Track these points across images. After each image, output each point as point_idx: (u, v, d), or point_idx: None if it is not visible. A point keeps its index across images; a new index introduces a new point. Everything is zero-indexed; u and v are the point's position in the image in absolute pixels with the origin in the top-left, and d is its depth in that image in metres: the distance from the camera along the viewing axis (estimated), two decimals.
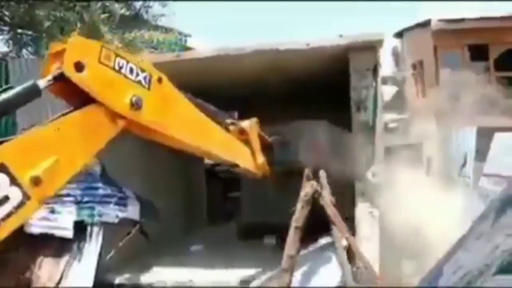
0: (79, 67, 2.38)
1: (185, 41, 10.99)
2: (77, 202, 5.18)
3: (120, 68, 2.61)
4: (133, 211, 5.44)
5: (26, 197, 2.14)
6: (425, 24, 16.09)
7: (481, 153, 10.89)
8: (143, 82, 2.75)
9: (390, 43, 19.73)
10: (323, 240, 5.20)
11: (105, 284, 5.21)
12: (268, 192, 7.40)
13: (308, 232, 4.55)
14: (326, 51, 4.95)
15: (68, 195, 5.22)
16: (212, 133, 3.61)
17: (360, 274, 4.47)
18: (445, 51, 15.96)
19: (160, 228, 5.98)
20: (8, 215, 2.04)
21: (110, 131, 2.64)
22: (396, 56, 20.63)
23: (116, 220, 5.25)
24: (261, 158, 4.29)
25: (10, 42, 6.17)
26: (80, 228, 5.14)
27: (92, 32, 5.16)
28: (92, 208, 5.20)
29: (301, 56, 5.12)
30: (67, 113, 2.45)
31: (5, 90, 2.21)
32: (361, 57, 4.95)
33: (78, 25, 5.21)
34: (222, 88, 6.55)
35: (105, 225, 5.21)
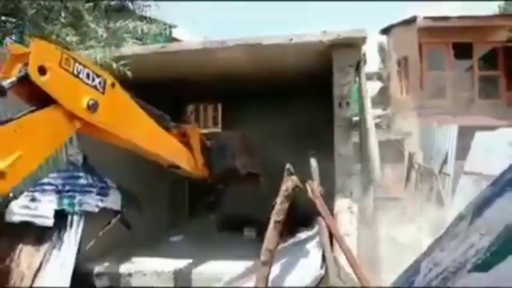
0: (42, 71, 2.55)
1: (170, 32, 10.94)
2: (58, 191, 5.19)
3: (78, 73, 2.81)
4: (114, 201, 5.46)
5: None
6: (411, 21, 16.22)
7: (462, 151, 11.09)
8: (98, 86, 2.95)
9: (376, 39, 19.86)
10: (303, 235, 5.27)
11: (84, 273, 5.23)
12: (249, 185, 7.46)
13: (288, 226, 4.60)
14: (309, 47, 4.99)
15: (49, 183, 5.22)
16: (158, 135, 3.86)
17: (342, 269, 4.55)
18: (430, 49, 16.12)
19: (141, 218, 6.01)
20: None
21: (67, 131, 2.85)
22: (382, 52, 20.78)
23: (97, 210, 5.27)
24: (200, 160, 4.60)
25: None
26: (61, 216, 5.15)
27: (77, 21, 5.12)
28: (73, 197, 5.21)
29: (285, 51, 5.15)
30: (28, 113, 2.62)
31: None
32: (344, 54, 5.00)
33: (63, 14, 5.18)
34: (206, 81, 6.57)
35: (85, 214, 5.23)
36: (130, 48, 5.27)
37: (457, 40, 15.75)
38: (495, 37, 15.82)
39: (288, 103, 6.97)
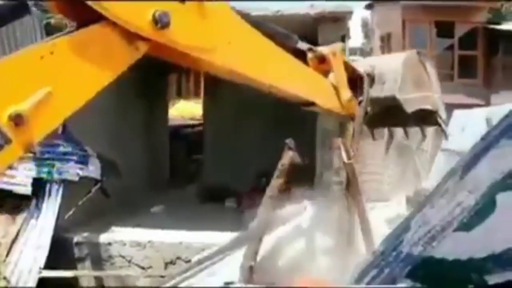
0: None
1: None
2: (37, 159, 5.10)
3: None
4: (94, 170, 5.40)
5: (4, 139, 1.65)
6: None
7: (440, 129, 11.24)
8: None
9: (360, 15, 19.83)
10: (291, 208, 5.26)
11: (63, 242, 5.20)
12: (231, 155, 7.47)
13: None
14: (296, 20, 4.95)
15: None
16: (277, 61, 2.80)
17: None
18: (413, 26, 16.16)
19: (121, 187, 5.98)
20: None
21: (126, 56, 1.98)
22: (366, 27, 20.78)
23: (77, 178, 5.21)
24: (347, 94, 3.39)
25: None
26: (39, 185, 5.08)
27: None
28: (52, 165, 5.13)
29: (271, 23, 5.10)
30: (65, 33, 1.84)
31: None
32: (329, 28, 4.98)
33: None
34: None
35: (65, 183, 5.17)
36: None
37: (440, 19, 15.82)
38: (476, 18, 15.95)
39: None
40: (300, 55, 3.12)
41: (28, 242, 4.86)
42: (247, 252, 4.02)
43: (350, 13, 4.94)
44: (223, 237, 4.89)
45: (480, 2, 16.32)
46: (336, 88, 3.29)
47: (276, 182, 4.00)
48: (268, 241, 4.52)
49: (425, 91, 3.80)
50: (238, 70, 2.48)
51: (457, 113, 10.81)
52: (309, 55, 3.25)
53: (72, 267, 5.14)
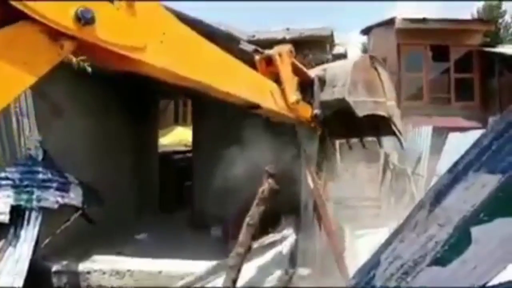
0: None
1: None
2: (15, 186, 5.06)
3: None
4: (75, 197, 5.34)
5: None
6: (390, 22, 16.30)
7: (436, 153, 11.17)
8: None
9: (360, 40, 19.97)
10: (272, 237, 5.18)
11: (42, 270, 5.11)
12: (221, 183, 7.39)
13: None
14: (272, 44, 4.93)
15: (6, 178, 5.09)
16: (214, 61, 2.69)
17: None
18: (408, 50, 16.22)
19: (108, 215, 5.91)
20: None
21: (51, 55, 1.91)
22: (366, 52, 20.91)
23: (56, 206, 5.15)
24: (293, 97, 3.26)
25: None
26: (18, 212, 5.02)
27: None
28: (31, 193, 5.08)
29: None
30: None
31: None
32: (310, 52, 4.94)
33: None
34: None
35: (44, 211, 5.10)
36: None
37: (435, 43, 15.89)
38: (471, 41, 16.02)
39: None
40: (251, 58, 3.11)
41: (4, 270, 4.78)
42: (225, 280, 3.90)
43: (329, 36, 4.92)
44: (204, 266, 4.80)
45: (475, 25, 16.43)
46: (282, 90, 3.21)
47: (256, 210, 3.86)
48: (247, 270, 4.42)
49: (377, 97, 3.71)
50: (170, 69, 2.40)
51: (452, 136, 10.74)
52: (256, 57, 3.24)
53: None
